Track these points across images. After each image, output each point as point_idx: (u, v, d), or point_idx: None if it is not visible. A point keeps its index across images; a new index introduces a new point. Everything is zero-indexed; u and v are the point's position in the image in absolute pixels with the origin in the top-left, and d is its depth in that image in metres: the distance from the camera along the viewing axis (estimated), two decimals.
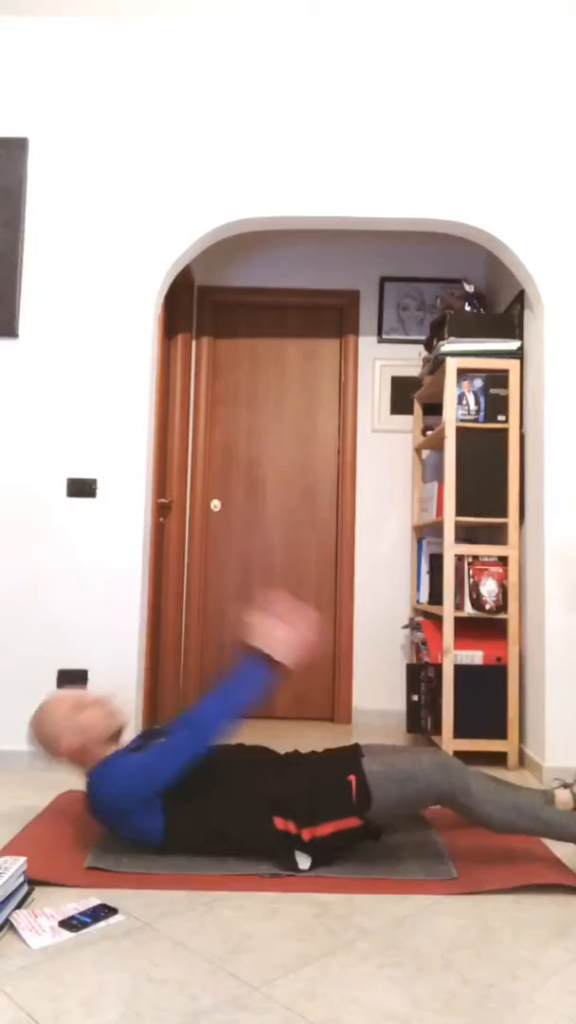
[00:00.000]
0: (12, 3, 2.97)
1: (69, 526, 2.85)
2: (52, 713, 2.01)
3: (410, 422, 3.92)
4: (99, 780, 1.89)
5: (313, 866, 1.87)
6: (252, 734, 3.45)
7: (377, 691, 3.82)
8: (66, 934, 1.57)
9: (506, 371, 3.14)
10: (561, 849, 2.07)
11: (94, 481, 2.86)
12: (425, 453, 3.92)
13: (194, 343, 3.98)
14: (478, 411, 3.13)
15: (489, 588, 3.08)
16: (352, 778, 1.87)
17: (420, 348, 3.94)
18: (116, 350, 2.90)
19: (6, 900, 1.60)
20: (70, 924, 1.60)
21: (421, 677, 3.29)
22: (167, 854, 1.92)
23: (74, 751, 1.98)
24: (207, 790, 1.91)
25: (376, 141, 2.94)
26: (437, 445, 3.61)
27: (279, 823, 1.87)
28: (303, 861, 1.87)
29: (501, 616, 3.07)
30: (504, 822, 1.84)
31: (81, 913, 1.64)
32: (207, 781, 1.92)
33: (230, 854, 1.91)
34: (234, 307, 4.04)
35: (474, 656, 3.04)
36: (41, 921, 1.61)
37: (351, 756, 1.98)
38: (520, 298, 3.21)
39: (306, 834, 1.87)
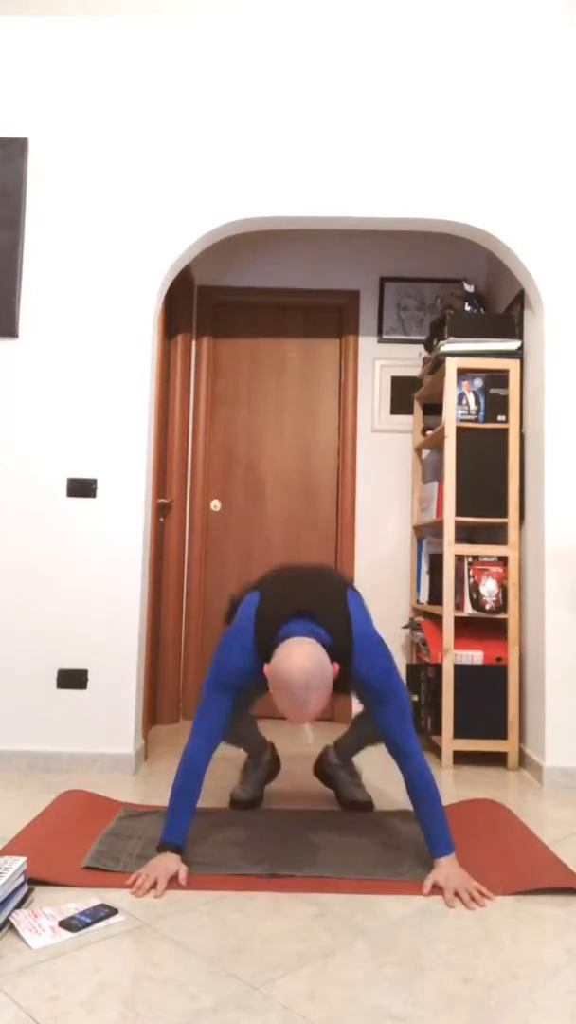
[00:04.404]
0: (13, 3, 2.98)
1: (69, 526, 2.85)
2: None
3: (410, 422, 3.92)
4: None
5: None
6: None
7: None
8: (66, 934, 1.57)
9: (506, 371, 3.14)
10: (563, 850, 2.07)
11: (94, 481, 2.86)
12: (425, 453, 3.92)
13: (194, 343, 3.98)
14: (478, 411, 3.13)
15: (489, 588, 3.08)
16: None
17: (420, 348, 3.94)
18: (116, 350, 2.90)
19: (6, 900, 1.60)
20: (70, 924, 1.60)
21: (421, 677, 3.29)
22: None
23: None
24: None
25: (377, 141, 2.94)
26: (437, 445, 3.61)
27: None
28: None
29: (501, 616, 3.07)
30: None
31: (81, 913, 1.64)
32: None
33: None
34: (234, 307, 4.04)
35: (474, 656, 3.04)
36: (41, 921, 1.61)
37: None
38: (520, 298, 3.21)
39: None
